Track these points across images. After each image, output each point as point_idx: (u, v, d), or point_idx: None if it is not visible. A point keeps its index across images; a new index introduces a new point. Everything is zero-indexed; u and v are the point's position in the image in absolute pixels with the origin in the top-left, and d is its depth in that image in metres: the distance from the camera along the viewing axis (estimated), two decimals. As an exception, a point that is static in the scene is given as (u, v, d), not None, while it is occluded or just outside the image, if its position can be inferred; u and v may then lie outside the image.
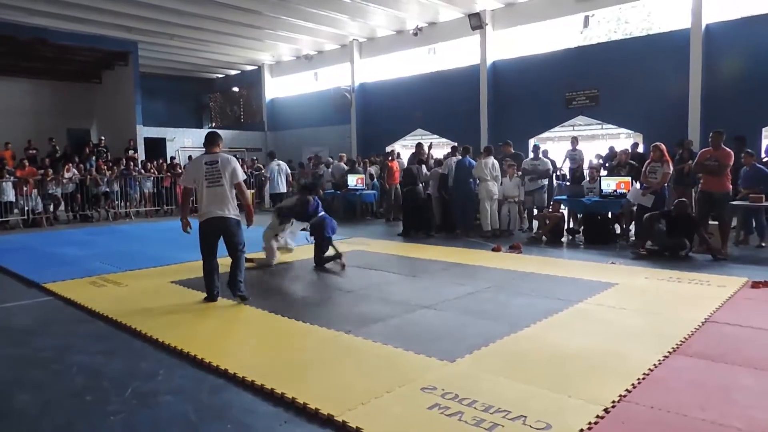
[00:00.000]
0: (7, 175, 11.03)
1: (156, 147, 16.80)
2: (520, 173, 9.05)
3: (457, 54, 14.68)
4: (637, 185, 7.58)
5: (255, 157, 16.83)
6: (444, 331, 3.88)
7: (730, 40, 10.38)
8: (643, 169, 7.38)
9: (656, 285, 5.11)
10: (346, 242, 8.15)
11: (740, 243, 7.27)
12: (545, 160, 9.30)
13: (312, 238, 6.42)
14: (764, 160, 8.63)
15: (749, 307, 4.33)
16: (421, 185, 9.11)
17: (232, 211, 4.67)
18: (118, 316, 4.35)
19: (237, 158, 5.41)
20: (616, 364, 3.15)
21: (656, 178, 7.14)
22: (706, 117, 10.44)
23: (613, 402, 2.65)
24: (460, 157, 8.97)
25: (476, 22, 13.21)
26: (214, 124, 21.74)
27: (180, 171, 13.56)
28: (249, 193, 6.54)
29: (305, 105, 18.68)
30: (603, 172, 9.22)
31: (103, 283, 5.61)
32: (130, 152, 14.72)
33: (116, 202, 12.74)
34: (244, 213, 4.95)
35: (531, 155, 9.73)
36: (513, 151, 9.90)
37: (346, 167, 12.71)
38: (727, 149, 6.74)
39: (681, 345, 3.46)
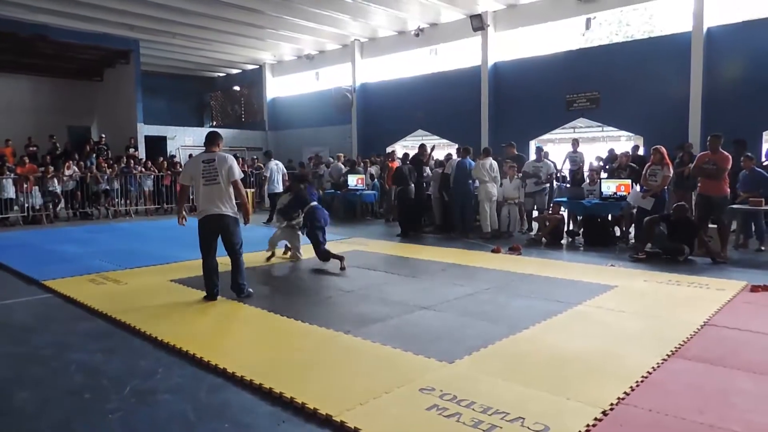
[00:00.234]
0: (8, 172, 11.03)
1: (157, 145, 16.80)
2: (520, 175, 9.05)
3: (458, 55, 14.69)
4: (637, 188, 7.58)
5: (255, 157, 16.85)
6: (443, 332, 3.89)
7: (731, 43, 10.39)
8: (644, 172, 7.38)
9: (655, 288, 5.11)
10: (345, 242, 8.15)
11: (740, 247, 7.27)
12: (548, 162, 9.25)
13: (305, 230, 6.43)
14: (764, 164, 8.64)
15: (748, 311, 4.33)
16: (412, 185, 9.21)
17: (229, 209, 4.68)
18: (117, 314, 4.35)
19: (237, 157, 5.42)
20: (615, 367, 3.15)
21: (656, 181, 7.15)
22: (706, 120, 10.44)
23: (612, 404, 2.65)
24: (459, 158, 9.00)
25: (478, 23, 13.22)
26: (214, 123, 21.74)
27: (180, 169, 13.57)
28: (248, 192, 6.57)
29: (306, 105, 18.68)
30: (603, 175, 9.23)
31: (103, 281, 5.61)
32: (131, 150, 14.73)
33: (116, 200, 12.74)
34: (242, 211, 4.99)
35: (533, 157, 9.68)
36: (516, 152, 9.91)
37: (343, 167, 12.74)
38: (725, 153, 6.75)
39: (680, 348, 3.46)
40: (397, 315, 4.30)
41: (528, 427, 2.43)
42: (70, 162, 12.18)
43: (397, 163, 11.33)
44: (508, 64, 13.52)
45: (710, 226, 6.83)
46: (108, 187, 12.47)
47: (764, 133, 10.12)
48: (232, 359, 3.32)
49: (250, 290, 4.87)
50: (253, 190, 14.10)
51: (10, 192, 10.98)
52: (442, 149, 14.09)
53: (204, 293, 4.85)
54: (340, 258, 6.14)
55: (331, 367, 3.23)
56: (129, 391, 2.94)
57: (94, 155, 13.95)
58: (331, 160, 13.92)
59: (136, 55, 15.84)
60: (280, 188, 10.94)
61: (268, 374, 3.07)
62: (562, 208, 8.44)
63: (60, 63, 16.51)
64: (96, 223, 11.39)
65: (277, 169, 11.26)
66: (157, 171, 13.45)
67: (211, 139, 4.79)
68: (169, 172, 13.46)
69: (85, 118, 17.86)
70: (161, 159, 14.23)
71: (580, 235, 8.25)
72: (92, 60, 16.69)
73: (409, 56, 15.77)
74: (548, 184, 9.28)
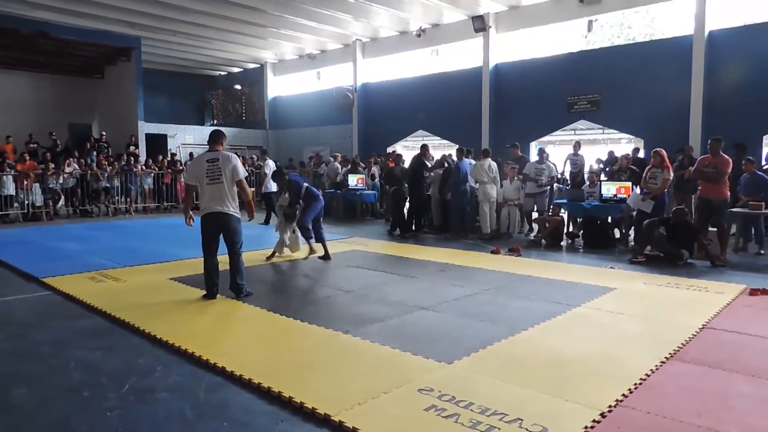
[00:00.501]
0: (8, 169, 11.04)
1: (157, 143, 16.80)
2: (521, 177, 9.04)
3: (459, 56, 14.69)
4: (637, 190, 7.59)
5: (255, 156, 16.88)
6: (442, 332, 3.89)
7: (732, 47, 10.39)
8: (644, 175, 7.39)
9: (655, 290, 5.11)
10: (345, 242, 8.16)
11: (739, 250, 7.27)
12: (550, 164, 9.15)
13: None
14: (764, 167, 8.64)
15: (747, 314, 4.34)
16: (406, 185, 9.33)
17: (231, 208, 4.70)
18: (116, 311, 4.35)
19: (237, 156, 5.43)
20: (614, 369, 3.15)
21: (656, 183, 7.15)
22: (707, 124, 10.44)
23: (610, 406, 2.66)
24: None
25: (480, 24, 13.22)
26: (215, 122, 21.75)
27: (180, 167, 13.58)
28: (250, 190, 6.58)
29: (307, 104, 18.68)
30: (603, 177, 9.23)
31: (102, 279, 5.61)
32: (131, 148, 14.73)
33: (116, 198, 12.74)
34: (246, 209, 5.02)
35: (534, 158, 9.64)
36: (520, 153, 9.90)
37: (340, 167, 12.76)
38: (726, 156, 6.75)
39: (678, 351, 3.46)
40: (397, 315, 4.30)
41: (526, 429, 2.43)
42: (71, 159, 12.18)
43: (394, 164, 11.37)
44: (509, 66, 13.52)
45: (710, 229, 6.83)
46: (108, 185, 12.47)
47: (764, 137, 10.12)
48: (231, 358, 3.32)
49: (250, 290, 4.87)
50: (253, 189, 14.09)
51: (11, 189, 10.98)
52: (442, 150, 14.11)
53: (203, 292, 4.85)
54: (311, 249, 6.43)
55: (330, 367, 3.23)
56: (127, 389, 2.94)
57: (95, 152, 13.96)
58: (331, 159, 13.94)
59: (137, 53, 15.84)
60: (273, 188, 10.98)
61: (267, 373, 3.07)
62: (562, 210, 8.44)
63: (61, 60, 16.51)
64: (96, 221, 11.39)
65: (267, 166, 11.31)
66: (157, 169, 13.45)
67: (215, 138, 4.80)
68: (169, 170, 13.46)
69: (85, 115, 17.86)
70: (161, 157, 14.22)
71: (580, 237, 8.25)
72: (93, 57, 16.68)
73: (411, 57, 15.77)
74: (549, 187, 9.23)
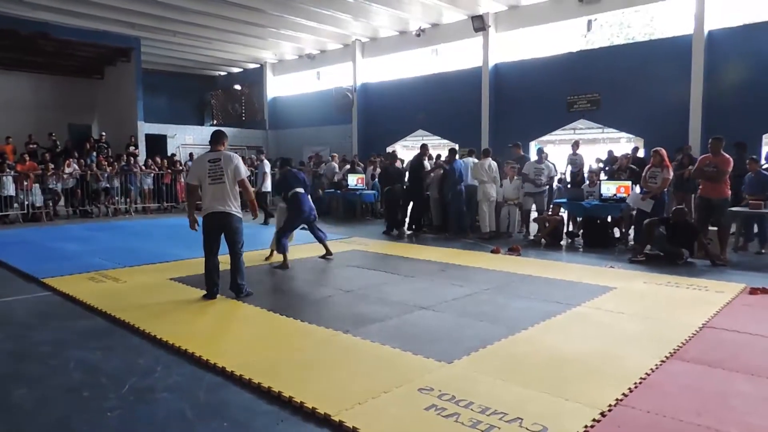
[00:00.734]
0: (8, 170, 11.04)
1: (157, 143, 16.80)
2: (519, 177, 9.01)
3: (459, 56, 14.69)
4: (637, 189, 7.59)
5: (254, 156, 16.88)
6: (442, 332, 3.89)
7: (732, 46, 10.39)
8: (644, 174, 7.39)
9: (654, 290, 5.11)
10: (345, 242, 8.16)
11: (739, 249, 7.27)
12: (549, 164, 9.04)
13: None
14: (764, 167, 8.65)
15: (747, 314, 4.34)
16: (399, 185, 9.41)
17: (234, 208, 4.70)
18: (116, 312, 4.35)
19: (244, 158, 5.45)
20: (613, 368, 3.16)
21: (656, 183, 7.15)
22: (707, 123, 10.45)
23: (610, 406, 2.66)
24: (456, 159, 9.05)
25: (479, 24, 13.22)
26: (215, 122, 21.74)
27: (180, 168, 13.59)
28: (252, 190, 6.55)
29: (307, 104, 18.68)
30: (603, 176, 9.22)
31: (102, 279, 5.61)
32: (131, 148, 14.73)
33: (116, 198, 12.74)
34: (249, 208, 5.04)
35: (534, 158, 9.54)
36: (522, 153, 9.87)
37: (337, 167, 12.78)
38: (726, 155, 6.75)
39: (678, 350, 3.46)
40: (397, 315, 4.30)
41: (526, 428, 2.43)
42: (71, 160, 12.18)
43: (398, 163, 11.38)
44: (509, 65, 13.52)
45: (710, 228, 6.83)
46: (108, 185, 12.47)
47: (764, 136, 10.13)
48: (231, 358, 3.32)
49: (250, 290, 4.88)
50: (254, 189, 14.11)
51: (10, 189, 10.98)
52: (442, 149, 14.11)
53: (203, 292, 4.85)
54: (284, 260, 6.17)
55: (330, 367, 3.23)
56: (128, 390, 2.94)
57: (95, 153, 13.95)
58: (330, 159, 13.96)
59: (136, 53, 15.84)
60: (268, 188, 11.08)
61: (267, 373, 3.07)
62: (562, 210, 8.44)
63: (61, 60, 16.51)
64: (96, 221, 11.39)
65: (263, 167, 11.38)
66: (157, 169, 13.45)
67: (217, 139, 4.81)
68: (169, 171, 13.46)
69: (85, 115, 17.86)
70: (162, 158, 14.20)
71: (580, 237, 8.25)
72: (93, 58, 16.69)
73: (410, 56, 15.78)
74: (548, 186, 9.14)
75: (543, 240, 8.06)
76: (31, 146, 13.85)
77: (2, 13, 12.77)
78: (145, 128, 16.24)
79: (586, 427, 2.46)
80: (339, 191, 12.07)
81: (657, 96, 11.16)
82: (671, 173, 7.35)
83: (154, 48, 16.70)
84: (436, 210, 9.68)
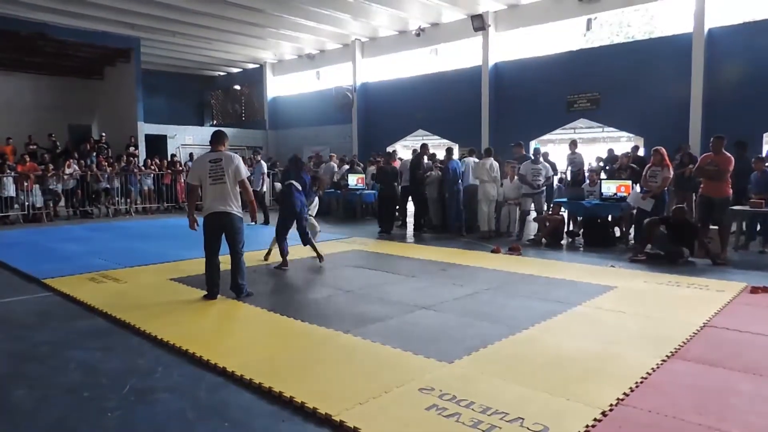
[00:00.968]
0: (8, 171, 11.04)
1: (157, 144, 16.80)
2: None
3: (459, 55, 14.68)
4: (638, 188, 7.58)
5: (253, 156, 16.89)
6: (442, 332, 3.88)
7: (732, 45, 10.38)
8: (644, 173, 7.38)
9: (655, 289, 5.11)
10: (346, 242, 8.15)
11: (740, 248, 7.27)
12: (547, 165, 8.90)
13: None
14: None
15: (748, 313, 4.33)
16: (395, 184, 9.48)
17: (234, 208, 4.70)
18: (116, 312, 4.35)
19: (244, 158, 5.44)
20: (614, 368, 3.15)
21: (656, 182, 7.14)
22: (707, 122, 10.44)
23: (611, 405, 2.65)
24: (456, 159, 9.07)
25: (479, 23, 13.21)
26: (215, 122, 21.75)
27: (180, 168, 13.59)
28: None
29: (307, 104, 18.68)
30: (603, 176, 9.21)
31: (103, 280, 5.61)
32: (131, 149, 14.73)
33: (117, 199, 12.74)
34: (248, 209, 5.03)
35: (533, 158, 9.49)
36: (524, 152, 9.83)
37: (336, 167, 12.79)
38: (728, 154, 6.74)
39: (679, 349, 3.46)
40: (397, 315, 4.30)
41: (527, 428, 2.43)
42: (71, 160, 12.18)
43: (398, 163, 11.40)
44: (508, 65, 13.51)
45: (711, 227, 6.82)
46: (108, 186, 12.47)
47: (765, 134, 10.11)
48: (231, 358, 3.31)
49: (250, 291, 4.87)
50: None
51: (11, 190, 10.99)
52: (442, 149, 14.12)
53: (204, 292, 4.85)
54: (284, 261, 6.06)
55: (331, 367, 3.23)
56: (128, 390, 2.93)
57: (95, 154, 13.95)
58: (329, 159, 13.97)
59: (136, 54, 15.84)
60: (264, 188, 11.14)
61: (268, 373, 3.07)
62: (562, 209, 8.43)
63: (61, 61, 16.51)
64: (96, 222, 11.39)
65: (260, 167, 11.36)
66: (157, 169, 13.45)
67: (217, 139, 4.80)
68: (169, 171, 13.46)
69: (85, 116, 17.86)
70: (159, 159, 14.15)
71: (580, 236, 8.25)
72: (93, 58, 16.69)
73: (410, 56, 15.77)
74: (546, 187, 8.94)
75: (543, 239, 8.06)
76: (31, 147, 13.86)
77: (2, 14, 12.77)
78: (145, 129, 16.24)
79: (587, 426, 2.46)
80: (339, 191, 12.07)
81: (657, 95, 11.16)
82: (671, 172, 7.35)
83: (154, 48, 16.69)
84: (434, 210, 9.70)
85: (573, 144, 10.56)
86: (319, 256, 6.35)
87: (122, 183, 12.67)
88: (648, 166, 7.42)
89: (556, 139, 13.80)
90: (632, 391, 2.83)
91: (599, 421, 2.51)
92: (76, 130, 17.13)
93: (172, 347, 3.57)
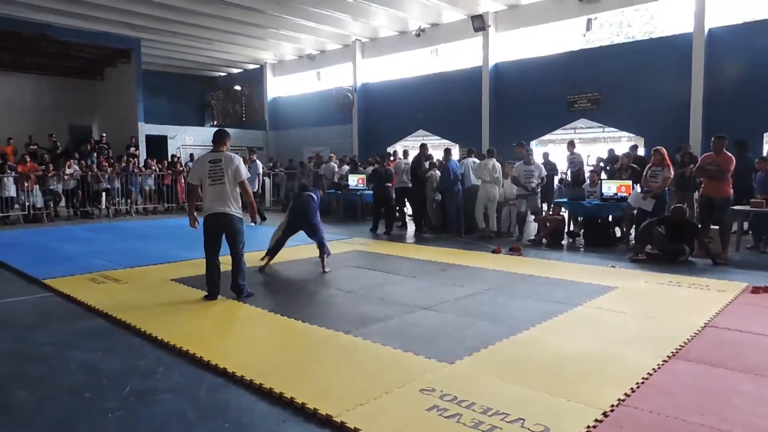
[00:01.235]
0: (9, 171, 11.04)
1: (157, 144, 16.81)
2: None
3: (459, 55, 14.69)
4: (638, 188, 7.58)
5: (249, 155, 16.87)
6: (443, 332, 3.88)
7: (732, 44, 10.38)
8: (644, 173, 7.38)
9: (656, 289, 5.10)
10: (346, 242, 8.15)
11: (752, 249, 7.22)
12: (540, 165, 8.75)
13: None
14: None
15: (749, 313, 4.33)
16: (388, 184, 9.51)
17: (233, 209, 4.69)
18: (117, 312, 4.35)
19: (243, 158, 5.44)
20: (615, 368, 3.15)
21: (657, 182, 7.14)
22: (707, 121, 10.44)
23: (612, 406, 2.65)
24: (456, 159, 9.07)
25: (479, 23, 13.22)
26: (215, 123, 21.76)
27: (181, 169, 13.59)
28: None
29: (307, 104, 18.69)
30: (604, 176, 9.20)
31: (103, 280, 5.61)
32: (132, 149, 14.74)
33: (117, 199, 12.75)
34: (248, 210, 5.02)
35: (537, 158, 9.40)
36: (526, 153, 9.80)
37: (336, 167, 12.79)
38: (729, 154, 6.74)
39: (680, 350, 3.45)
40: (398, 315, 4.30)
41: (528, 429, 2.43)
42: (71, 161, 12.19)
43: (394, 163, 11.42)
44: (509, 65, 13.51)
45: (712, 227, 6.82)
46: (109, 186, 12.48)
47: (765, 134, 10.11)
48: (232, 359, 3.31)
49: (251, 291, 4.87)
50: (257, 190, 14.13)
51: (11, 190, 10.99)
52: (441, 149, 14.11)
53: (204, 293, 4.85)
54: (267, 261, 6.04)
55: (332, 368, 3.23)
56: (129, 391, 2.93)
57: (95, 154, 13.96)
58: (329, 159, 13.99)
59: (137, 54, 15.86)
60: (256, 188, 11.18)
61: (269, 374, 3.06)
62: (563, 209, 8.43)
63: (61, 62, 16.53)
64: (96, 222, 11.40)
65: (256, 167, 11.35)
66: (158, 170, 13.45)
67: (219, 139, 4.79)
68: (169, 171, 13.46)
69: (86, 116, 17.87)
70: (156, 161, 14.12)
71: (581, 236, 8.24)
72: (93, 59, 16.71)
73: (410, 56, 15.78)
74: (540, 189, 8.70)
75: (544, 240, 8.05)
76: (31, 147, 13.87)
77: (3, 14, 12.79)
78: (145, 129, 16.25)
79: (588, 427, 2.45)
80: (339, 191, 12.07)
81: (657, 95, 11.16)
82: (672, 172, 7.34)
83: (155, 49, 16.71)
84: (432, 210, 9.71)
85: (571, 145, 10.51)
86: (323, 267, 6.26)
87: (123, 183, 12.67)
88: (648, 166, 7.42)
89: (557, 140, 13.79)
90: (633, 391, 2.82)
91: (600, 421, 2.51)
92: (76, 130, 17.13)
93: (173, 348, 3.57)
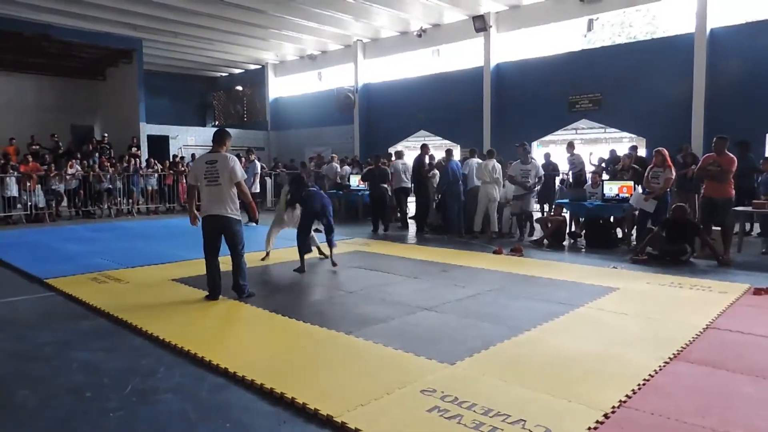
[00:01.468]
0: (11, 171, 11.07)
1: (159, 145, 16.84)
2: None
3: (460, 56, 14.69)
4: (640, 189, 7.57)
5: (258, 157, 16.89)
6: (444, 333, 3.88)
7: (734, 44, 10.37)
8: (646, 174, 7.37)
9: (658, 290, 5.09)
10: (347, 242, 8.15)
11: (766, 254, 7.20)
12: (537, 164, 8.72)
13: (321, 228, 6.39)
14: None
15: (751, 314, 4.32)
16: (384, 184, 9.60)
17: (230, 210, 4.66)
18: (119, 312, 4.35)
19: (240, 157, 5.43)
20: (617, 370, 3.14)
21: (658, 183, 7.12)
22: (709, 122, 10.43)
23: (613, 407, 2.65)
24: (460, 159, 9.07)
25: (480, 24, 13.22)
26: (217, 123, 21.79)
27: (182, 169, 13.61)
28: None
29: (308, 105, 18.71)
30: (605, 176, 9.19)
31: (105, 280, 5.62)
32: (133, 149, 14.77)
33: (119, 199, 12.77)
34: (247, 211, 4.99)
35: (539, 158, 9.41)
36: (524, 152, 9.78)
37: (338, 167, 12.82)
38: (730, 155, 6.73)
39: (682, 351, 3.45)
40: (399, 316, 4.30)
41: (529, 430, 2.42)
42: (73, 161, 12.21)
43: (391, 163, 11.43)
44: (510, 65, 13.51)
45: (714, 228, 6.80)
46: (111, 186, 12.50)
47: (767, 134, 10.09)
48: (233, 359, 3.31)
49: (252, 291, 4.87)
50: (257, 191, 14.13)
51: (14, 190, 11.02)
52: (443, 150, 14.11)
53: (206, 293, 4.85)
54: (301, 263, 6.01)
55: (333, 368, 3.23)
56: (130, 390, 2.94)
57: (97, 154, 13.99)
58: (330, 159, 14.00)
59: (138, 55, 15.89)
60: (258, 188, 11.18)
61: (270, 374, 3.07)
62: (564, 210, 8.42)
63: (63, 62, 16.57)
64: (98, 222, 11.42)
65: (254, 167, 11.35)
66: (160, 170, 13.48)
67: (218, 139, 4.78)
68: (171, 172, 13.48)
69: (88, 116, 17.90)
70: (155, 161, 14.13)
71: (582, 237, 8.23)
72: (95, 59, 16.74)
73: (412, 57, 15.79)
74: (536, 189, 8.74)
75: (545, 241, 8.05)
76: (33, 147, 13.89)
77: (5, 15, 12.83)
78: (147, 129, 16.28)
79: (589, 428, 2.45)
80: (341, 192, 12.08)
81: (659, 95, 11.14)
82: (674, 173, 7.33)
83: (156, 49, 16.74)
84: (433, 210, 9.72)
85: (570, 146, 10.49)
86: (323, 255, 6.54)
87: (124, 183, 12.69)
88: (650, 167, 7.40)
89: (558, 140, 13.78)
90: (634, 393, 2.82)
91: (601, 423, 2.50)
92: (78, 130, 17.17)
93: (174, 347, 3.57)
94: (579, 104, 12.27)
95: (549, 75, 12.67)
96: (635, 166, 8.73)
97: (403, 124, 15.65)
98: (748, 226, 8.25)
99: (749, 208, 7.07)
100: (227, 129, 5.61)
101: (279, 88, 20.03)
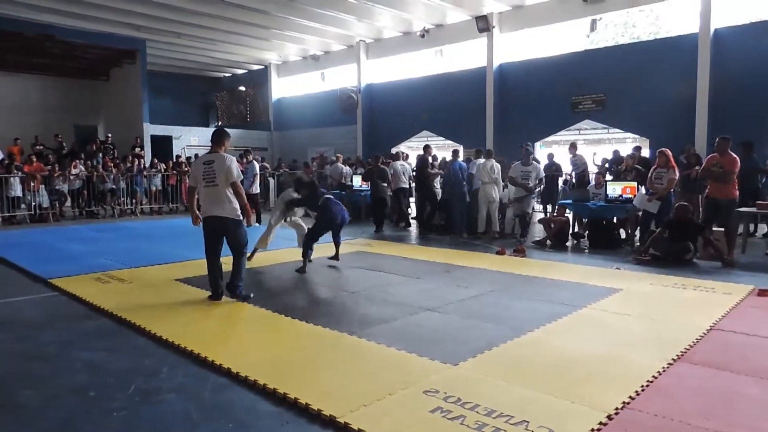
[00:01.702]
0: (15, 171, 11.11)
1: (162, 145, 16.89)
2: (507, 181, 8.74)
3: (463, 56, 14.68)
4: (643, 190, 7.55)
5: (260, 156, 16.92)
6: (447, 333, 3.88)
7: (738, 45, 10.33)
8: (649, 175, 7.35)
9: (661, 291, 5.08)
10: (350, 243, 8.15)
11: None
12: (537, 166, 8.68)
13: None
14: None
15: (755, 315, 4.30)
16: (384, 184, 9.68)
17: (228, 211, 4.62)
18: (122, 312, 4.37)
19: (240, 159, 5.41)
20: (620, 371, 3.13)
21: (662, 184, 7.11)
22: (713, 122, 10.39)
23: (617, 409, 2.64)
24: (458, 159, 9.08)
25: (483, 24, 13.21)
26: (220, 123, 21.83)
27: (185, 169, 13.64)
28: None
29: (311, 105, 18.73)
30: (609, 177, 9.17)
31: (108, 280, 5.64)
32: (137, 150, 14.81)
33: (122, 199, 12.81)
34: (244, 214, 4.94)
35: (542, 159, 9.40)
36: (525, 153, 9.75)
37: (343, 167, 12.83)
38: (733, 155, 6.70)
39: (686, 352, 3.44)
40: (402, 316, 4.30)
41: (532, 431, 2.42)
42: (77, 161, 12.25)
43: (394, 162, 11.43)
44: (513, 66, 13.49)
45: (716, 229, 6.78)
46: (114, 186, 12.54)
47: (771, 135, 10.05)
48: (236, 359, 3.32)
49: (247, 293, 4.79)
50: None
51: (18, 190, 11.06)
52: (445, 150, 14.11)
53: (209, 293, 4.86)
54: (303, 264, 6.04)
55: (335, 368, 3.23)
56: (133, 390, 2.94)
57: (101, 154, 14.03)
58: (334, 160, 14.00)
59: (142, 55, 15.93)
60: (257, 189, 11.15)
61: (272, 374, 3.07)
62: (567, 211, 8.40)
63: (67, 62, 16.62)
64: (102, 222, 11.45)
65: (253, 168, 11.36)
66: (163, 170, 13.51)
67: (217, 139, 4.76)
68: (174, 172, 13.52)
69: (91, 117, 17.96)
70: (158, 162, 14.15)
71: (585, 238, 8.22)
72: (98, 59, 16.79)
73: (415, 57, 15.79)
74: (537, 190, 8.69)
75: (548, 241, 8.03)
76: (37, 147, 13.94)
77: (8, 16, 12.88)
78: (150, 129, 16.32)
79: (592, 429, 2.44)
80: (344, 192, 12.08)
81: (662, 96, 11.11)
82: (677, 174, 7.31)
83: (160, 50, 16.78)
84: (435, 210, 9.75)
85: (573, 147, 10.47)
86: (336, 256, 6.49)
87: (128, 183, 12.73)
88: (653, 167, 7.38)
89: (561, 140, 13.76)
90: (638, 394, 2.81)
91: (604, 424, 2.50)
92: (82, 130, 17.23)
93: (177, 348, 3.58)
94: (582, 105, 12.25)
95: (552, 75, 12.65)
96: (638, 166, 8.71)
97: (406, 124, 15.65)
98: (752, 227, 8.22)
99: (753, 209, 7.04)
100: (228, 129, 5.60)
101: (282, 88, 20.06)
